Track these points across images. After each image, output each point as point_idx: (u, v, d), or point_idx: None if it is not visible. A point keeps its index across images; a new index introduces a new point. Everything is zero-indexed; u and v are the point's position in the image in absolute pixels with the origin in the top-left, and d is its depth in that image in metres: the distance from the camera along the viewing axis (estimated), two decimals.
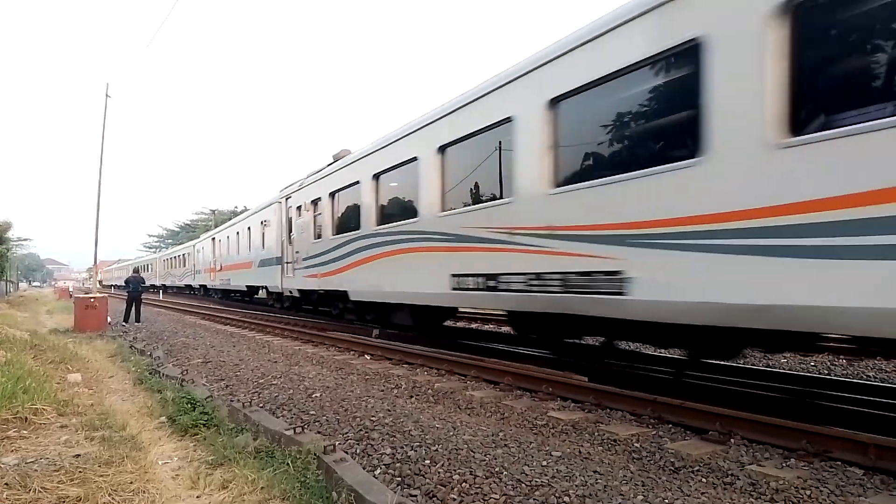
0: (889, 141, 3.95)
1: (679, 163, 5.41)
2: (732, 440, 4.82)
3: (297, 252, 15.93)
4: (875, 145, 4.03)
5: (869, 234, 4.04)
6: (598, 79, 6.28)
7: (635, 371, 7.47)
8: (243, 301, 26.88)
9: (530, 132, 7.19)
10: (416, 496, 3.78)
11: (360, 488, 3.54)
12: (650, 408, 5.64)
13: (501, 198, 7.92)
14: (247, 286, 23.37)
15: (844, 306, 4.23)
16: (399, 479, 4.09)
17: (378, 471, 4.23)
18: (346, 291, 12.54)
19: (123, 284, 19.72)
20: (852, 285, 4.17)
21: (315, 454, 4.23)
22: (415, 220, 9.87)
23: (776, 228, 4.59)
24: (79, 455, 4.61)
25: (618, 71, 6.06)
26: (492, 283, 7.86)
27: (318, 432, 5.20)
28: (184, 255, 40.71)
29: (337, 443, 4.68)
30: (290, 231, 16.54)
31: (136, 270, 21.29)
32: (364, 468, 4.13)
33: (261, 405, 6.37)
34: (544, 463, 4.29)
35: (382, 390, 7.22)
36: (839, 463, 4.24)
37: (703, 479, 4.04)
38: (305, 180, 15.63)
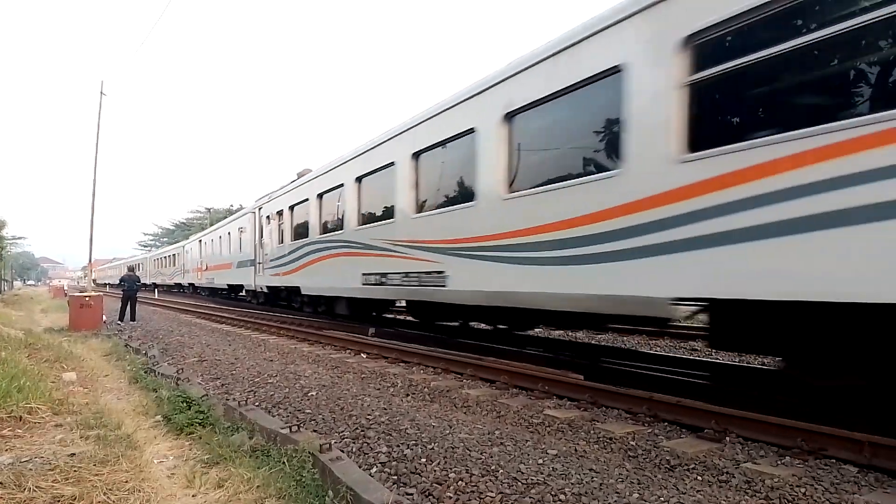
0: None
1: (462, 205, 8.75)
2: (728, 438, 4.83)
3: (266, 255, 18.80)
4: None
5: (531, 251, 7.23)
6: (435, 143, 9.60)
7: (631, 369, 7.47)
8: (228, 298, 28.89)
9: (404, 175, 10.39)
10: (412, 494, 3.78)
11: (357, 487, 3.53)
12: (646, 406, 5.65)
13: (390, 218, 10.85)
14: (228, 284, 25.72)
15: (529, 291, 7.31)
16: (395, 477, 4.09)
17: (374, 469, 4.22)
18: (299, 287, 15.60)
19: (118, 283, 19.73)
20: (533, 280, 7.20)
21: (311, 453, 4.22)
22: (342, 231, 12.91)
23: (502, 246, 7.74)
24: (74, 454, 4.59)
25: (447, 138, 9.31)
26: (383, 280, 10.89)
27: (314, 431, 5.20)
28: (174, 255, 43.57)
29: (333, 441, 4.67)
30: (261, 237, 19.33)
31: (131, 269, 21.21)
32: (360, 467, 4.13)
33: (256, 404, 6.36)
34: (540, 461, 4.30)
35: (378, 389, 7.22)
36: (834, 461, 4.26)
37: (699, 478, 4.05)
38: (273, 194, 18.73)
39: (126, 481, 4.05)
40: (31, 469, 4.20)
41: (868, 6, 4.24)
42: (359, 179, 12.24)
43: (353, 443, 4.87)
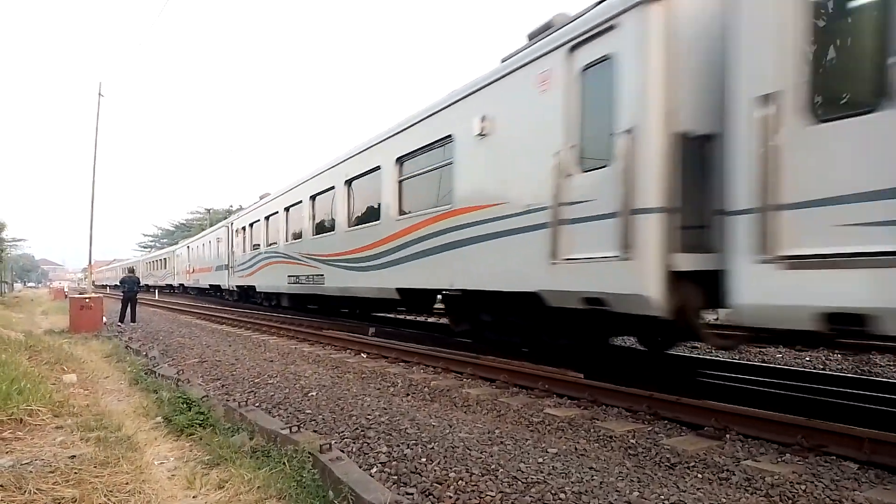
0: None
1: (330, 232, 13.86)
2: (728, 436, 4.83)
3: (235, 260, 24.10)
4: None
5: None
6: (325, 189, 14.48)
7: (631, 367, 7.48)
8: (212, 296, 32.91)
9: (307, 209, 15.58)
10: (412, 494, 3.78)
11: (357, 487, 3.54)
12: (646, 404, 5.65)
13: (299, 238, 16.12)
14: (209, 284, 30.83)
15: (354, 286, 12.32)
16: (395, 477, 4.09)
17: (374, 469, 4.22)
18: (255, 286, 21.20)
19: (119, 284, 19.84)
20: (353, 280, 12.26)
21: (311, 453, 4.22)
22: (278, 245, 18.12)
23: (344, 259, 12.61)
24: (74, 456, 4.59)
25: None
26: (298, 280, 15.93)
27: (315, 431, 5.20)
28: (164, 258, 49.73)
29: (333, 441, 4.67)
30: (232, 246, 24.61)
31: (130, 270, 21.21)
32: (360, 467, 4.13)
33: (257, 404, 6.36)
34: (540, 460, 4.30)
35: (378, 388, 7.22)
36: (834, 457, 4.26)
37: (699, 475, 4.05)
38: (241, 212, 24.87)
39: (127, 483, 4.06)
40: (31, 471, 4.20)
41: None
42: (287, 209, 17.46)
43: (354, 443, 4.87)
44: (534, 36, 7.43)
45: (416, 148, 9.98)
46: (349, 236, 12.57)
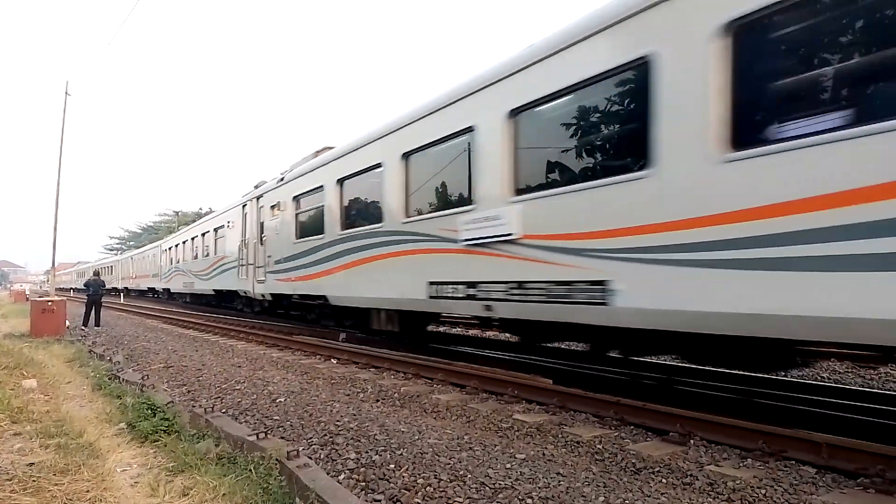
0: None
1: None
2: (692, 441, 4.92)
3: (166, 271, 31.01)
4: None
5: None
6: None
7: (599, 373, 7.57)
8: (155, 297, 37.94)
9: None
10: (380, 501, 3.78)
11: (324, 494, 3.52)
12: (613, 409, 5.72)
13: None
14: (147, 287, 39.05)
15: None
16: (363, 483, 4.08)
17: (342, 476, 4.21)
18: (168, 288, 29.86)
19: (84, 287, 19.41)
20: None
21: (278, 460, 4.19)
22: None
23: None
24: (33, 463, 4.47)
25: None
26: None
27: (282, 437, 5.16)
28: (111, 265, 55.51)
29: (301, 448, 4.64)
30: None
31: (96, 273, 20.76)
32: (328, 473, 4.11)
33: (223, 410, 6.28)
34: (508, 465, 4.33)
35: (348, 394, 7.18)
36: (793, 462, 4.36)
37: (664, 480, 4.12)
38: (168, 238, 32.45)
39: (87, 490, 3.97)
40: None
41: None
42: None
43: (322, 449, 4.84)
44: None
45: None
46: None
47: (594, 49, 5.94)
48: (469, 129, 7.69)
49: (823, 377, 8.24)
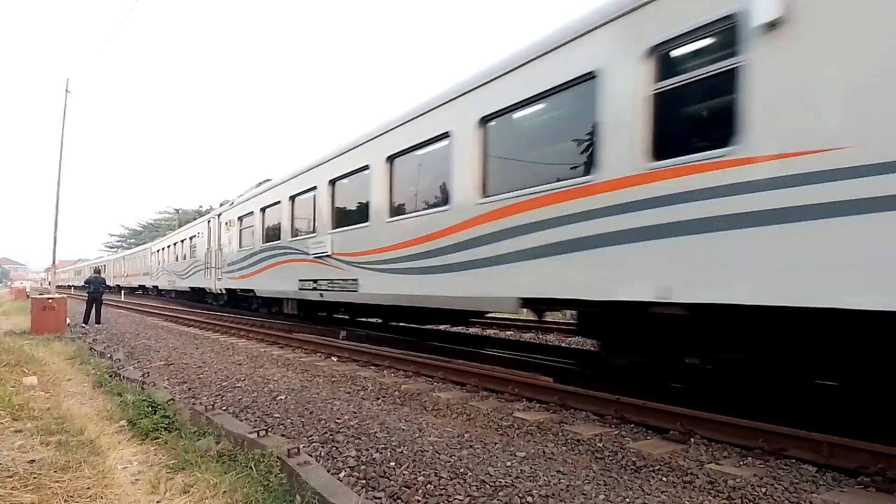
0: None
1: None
2: (692, 439, 4.92)
3: (155, 270, 35.31)
4: None
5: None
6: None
7: (600, 371, 7.56)
8: (146, 294, 43.19)
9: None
10: (380, 498, 3.78)
11: (324, 491, 3.52)
12: (613, 408, 5.72)
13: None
14: (138, 285, 44.59)
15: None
16: (364, 481, 4.08)
17: (343, 473, 4.21)
18: (157, 285, 35.34)
19: (84, 284, 19.47)
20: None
21: (278, 457, 4.19)
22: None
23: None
24: (34, 461, 4.49)
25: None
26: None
27: (283, 435, 5.16)
28: (104, 264, 57.77)
29: (301, 446, 4.64)
30: (150, 259, 34.81)
31: (96, 270, 20.77)
32: (328, 471, 4.11)
33: (224, 408, 6.28)
34: (508, 463, 4.33)
35: (349, 392, 7.18)
36: (794, 461, 4.37)
37: (664, 479, 4.12)
38: (155, 242, 36.73)
39: (88, 488, 3.98)
40: None
41: None
42: (164, 249, 28.25)
43: (322, 447, 4.85)
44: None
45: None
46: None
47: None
48: (313, 188, 13.08)
49: None
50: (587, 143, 6.22)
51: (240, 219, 18.68)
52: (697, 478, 4.08)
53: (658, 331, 5.93)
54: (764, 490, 3.82)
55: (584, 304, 6.23)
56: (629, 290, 5.56)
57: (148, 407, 5.89)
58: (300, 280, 13.28)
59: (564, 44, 6.41)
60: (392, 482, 4.01)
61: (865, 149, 4.00)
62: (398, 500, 3.75)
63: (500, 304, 7.62)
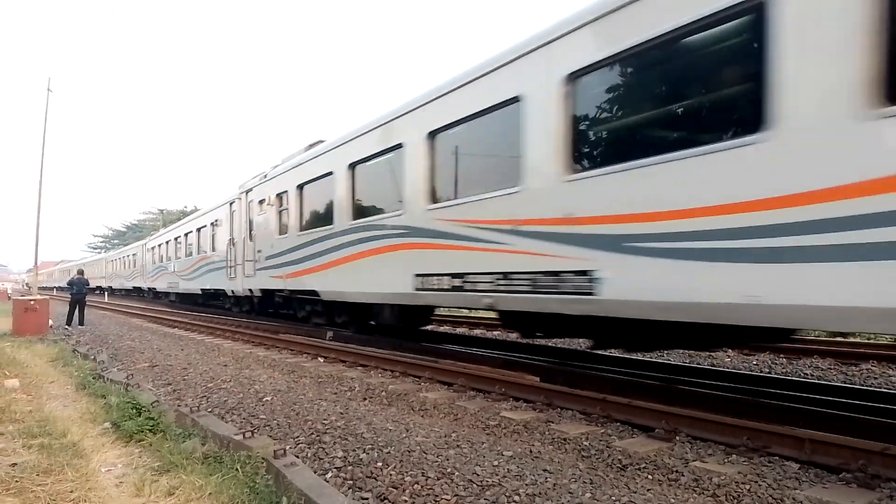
0: None
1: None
2: (677, 437, 4.95)
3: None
4: None
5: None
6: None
7: (587, 370, 7.60)
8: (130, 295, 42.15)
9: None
10: (367, 499, 3.77)
11: (311, 492, 3.51)
12: (599, 406, 5.75)
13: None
14: (118, 285, 45.50)
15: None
16: (351, 482, 4.07)
17: (329, 474, 4.20)
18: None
19: (67, 286, 19.24)
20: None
21: (265, 458, 4.17)
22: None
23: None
24: (15, 464, 4.43)
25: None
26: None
27: (269, 436, 5.14)
28: (97, 262, 59.11)
29: (288, 447, 4.62)
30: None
31: (80, 272, 20.53)
32: (315, 472, 4.10)
33: (209, 409, 6.24)
34: (495, 463, 4.34)
35: (335, 393, 7.16)
36: (777, 458, 4.41)
37: (649, 476, 4.15)
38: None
39: (71, 491, 3.94)
40: None
41: None
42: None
43: (309, 448, 4.83)
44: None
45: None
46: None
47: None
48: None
49: (807, 374, 8.34)
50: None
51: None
52: (683, 475, 4.11)
53: None
54: (748, 487, 3.86)
55: None
56: None
57: (132, 409, 5.83)
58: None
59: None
60: (379, 482, 4.01)
61: None
62: (385, 501, 3.75)
63: None
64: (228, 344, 12.62)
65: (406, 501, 3.70)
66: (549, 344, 10.18)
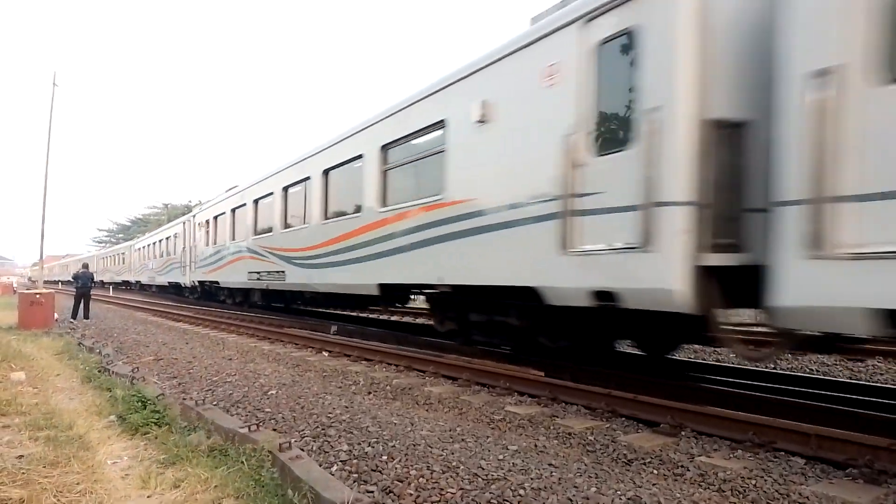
0: None
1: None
2: (683, 433, 4.95)
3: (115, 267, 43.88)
4: None
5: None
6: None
7: (591, 365, 7.59)
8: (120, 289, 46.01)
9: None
10: (372, 492, 3.77)
11: (317, 485, 3.51)
12: (604, 401, 5.75)
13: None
14: (110, 280, 48.73)
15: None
16: (356, 475, 4.07)
17: (334, 467, 4.19)
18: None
19: (72, 279, 19.32)
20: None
21: (270, 451, 4.18)
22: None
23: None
24: (22, 456, 4.46)
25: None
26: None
27: (274, 430, 5.14)
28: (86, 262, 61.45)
29: (293, 440, 4.62)
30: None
31: (85, 265, 20.59)
32: (320, 465, 4.10)
33: (214, 403, 6.25)
34: (500, 457, 4.34)
35: (340, 387, 7.17)
36: (783, 453, 4.40)
37: (655, 471, 4.14)
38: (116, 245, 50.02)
39: (77, 483, 3.96)
40: None
41: None
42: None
43: (314, 441, 4.83)
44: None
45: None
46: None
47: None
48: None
49: (812, 369, 8.32)
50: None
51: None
52: (688, 470, 4.10)
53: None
54: (754, 482, 3.85)
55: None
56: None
57: (138, 402, 5.86)
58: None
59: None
60: (384, 476, 4.00)
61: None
62: (390, 494, 3.75)
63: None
64: (233, 338, 12.65)
65: (411, 495, 3.70)
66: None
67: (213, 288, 21.49)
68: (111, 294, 38.48)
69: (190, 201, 66.95)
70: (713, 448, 4.60)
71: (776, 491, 3.73)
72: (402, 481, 3.89)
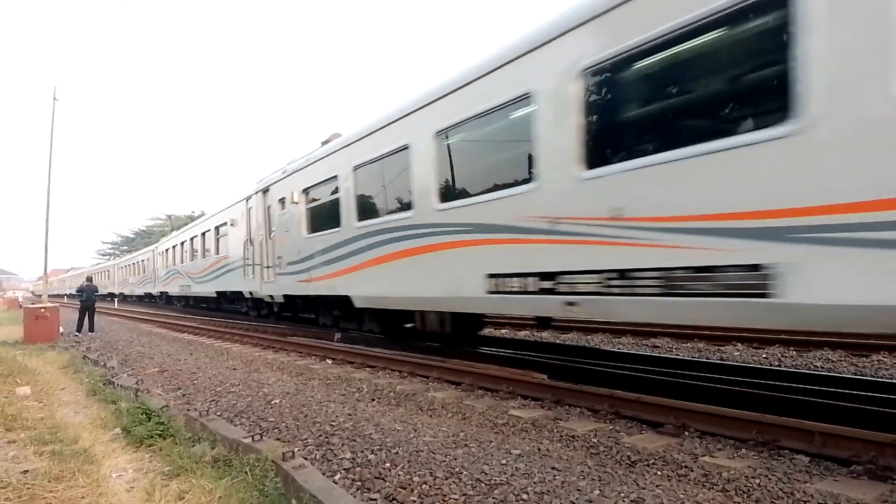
0: None
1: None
2: (686, 433, 4.94)
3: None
4: None
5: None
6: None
7: (594, 367, 7.58)
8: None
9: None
10: (375, 499, 3.78)
11: (320, 494, 3.52)
12: (608, 403, 5.74)
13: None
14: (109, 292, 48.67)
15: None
16: (359, 483, 4.07)
17: (338, 476, 4.20)
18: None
19: (76, 293, 19.37)
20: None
21: (274, 461, 4.18)
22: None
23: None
24: (27, 471, 4.47)
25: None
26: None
27: (278, 439, 5.15)
28: (89, 275, 63.26)
29: (296, 449, 4.63)
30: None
31: (89, 279, 20.66)
32: (324, 474, 4.10)
33: (218, 413, 6.26)
34: (504, 461, 4.34)
35: (343, 394, 7.18)
36: (787, 451, 4.39)
37: (658, 472, 4.14)
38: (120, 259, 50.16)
39: (82, 497, 3.97)
40: None
41: None
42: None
43: (317, 450, 4.84)
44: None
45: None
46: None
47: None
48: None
49: (817, 366, 8.28)
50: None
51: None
52: (692, 471, 4.10)
53: None
54: (758, 481, 3.84)
55: None
56: None
57: (142, 414, 5.87)
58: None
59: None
60: (387, 483, 4.01)
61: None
62: (394, 501, 3.75)
63: None
64: (237, 348, 12.67)
65: (414, 501, 3.70)
66: (557, 341, 10.15)
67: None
68: (116, 307, 38.51)
69: (193, 212, 67.09)
70: (717, 447, 4.59)
71: (780, 490, 3.72)
72: (404, 488, 3.90)
